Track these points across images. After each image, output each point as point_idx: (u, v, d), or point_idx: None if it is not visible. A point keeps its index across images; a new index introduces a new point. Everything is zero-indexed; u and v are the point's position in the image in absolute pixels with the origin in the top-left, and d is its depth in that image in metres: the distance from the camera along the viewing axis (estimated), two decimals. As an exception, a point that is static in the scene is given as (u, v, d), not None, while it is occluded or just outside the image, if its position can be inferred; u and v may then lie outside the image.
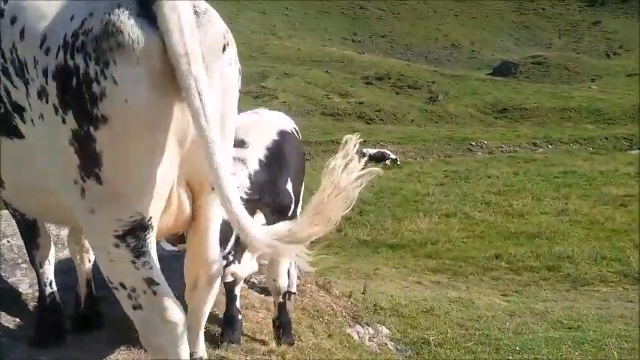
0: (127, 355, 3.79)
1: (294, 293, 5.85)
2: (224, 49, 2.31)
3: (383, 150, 31.95)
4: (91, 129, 2.09)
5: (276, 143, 4.27)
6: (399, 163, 30.49)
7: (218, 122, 2.27)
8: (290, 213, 4.31)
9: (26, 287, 4.13)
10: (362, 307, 7.06)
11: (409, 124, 46.54)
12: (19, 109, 2.37)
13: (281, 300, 4.61)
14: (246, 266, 4.20)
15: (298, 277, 6.58)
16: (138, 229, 2.28)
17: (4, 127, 2.51)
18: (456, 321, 8.54)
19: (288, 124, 4.80)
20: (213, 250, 2.81)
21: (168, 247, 4.18)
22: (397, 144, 39.30)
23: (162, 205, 2.36)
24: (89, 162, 2.15)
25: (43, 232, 3.56)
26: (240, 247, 3.98)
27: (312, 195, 2.48)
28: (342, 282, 10.61)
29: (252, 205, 3.69)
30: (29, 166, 2.52)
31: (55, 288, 3.67)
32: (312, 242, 12.35)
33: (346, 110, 47.50)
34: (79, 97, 2.08)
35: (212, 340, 4.18)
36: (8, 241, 4.15)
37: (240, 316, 4.36)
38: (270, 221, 4.14)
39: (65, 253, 4.38)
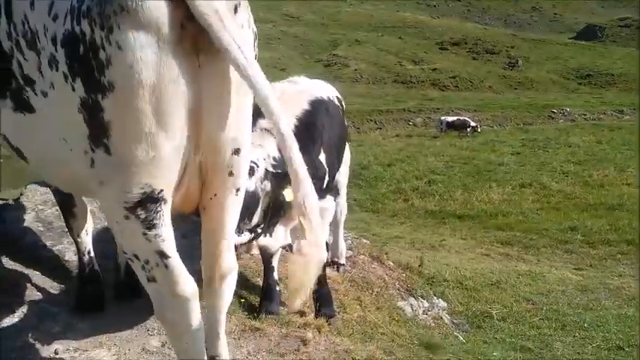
0: (163, 323, 3.78)
1: (343, 265, 5.70)
2: (235, 10, 2.14)
3: (463, 117, 31.02)
4: (99, 97, 2.01)
5: (308, 113, 4.05)
6: (479, 130, 29.56)
7: (228, 89, 2.18)
8: (324, 185, 4.11)
9: (72, 255, 4.18)
10: (418, 279, 6.80)
11: (486, 91, 45.07)
12: (31, 82, 2.33)
13: (320, 272, 4.43)
14: (279, 239, 4.07)
15: (350, 249, 6.43)
16: (148, 201, 2.19)
17: (17, 102, 2.49)
18: (523, 295, 8.18)
19: (325, 92, 4.58)
20: (227, 245, 2.59)
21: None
22: (473, 111, 38.18)
23: (174, 178, 2.24)
24: (98, 131, 2.08)
25: (79, 202, 3.57)
26: (272, 220, 3.85)
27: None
28: (404, 253, 10.38)
29: (281, 176, 3.55)
30: (44, 139, 2.48)
31: (93, 257, 3.68)
32: (377, 212, 12.21)
33: (419, 77, 46.50)
34: (86, 64, 2.00)
35: (251, 310, 4.10)
36: (57, 210, 4.19)
37: (278, 288, 4.25)
38: None
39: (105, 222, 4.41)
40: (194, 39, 2.03)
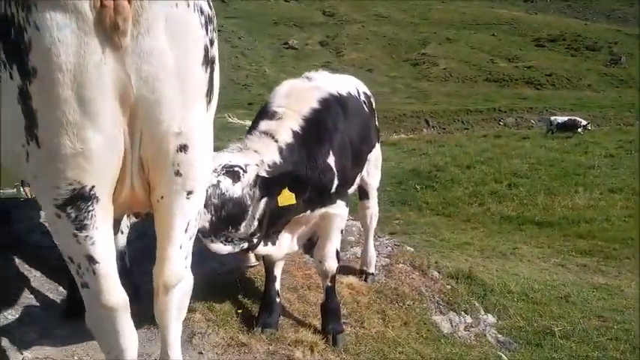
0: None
1: (372, 274, 5.40)
2: None
3: (574, 117, 29.15)
4: (27, 83, 1.88)
5: (316, 112, 3.80)
6: (589, 128, 27.80)
7: (164, 73, 1.98)
8: (332, 189, 3.85)
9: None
10: (465, 291, 6.36)
11: (584, 90, 42.53)
12: None
13: (329, 284, 4.18)
14: (284, 247, 3.87)
15: (388, 257, 6.12)
16: (78, 199, 2.04)
17: None
18: (595, 311, 7.47)
19: (345, 89, 4.31)
20: (174, 253, 2.38)
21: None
22: (569, 111, 36.09)
23: (108, 174, 2.08)
24: (30, 122, 1.95)
25: None
26: (274, 228, 3.66)
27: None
28: (468, 261, 9.88)
29: (270, 182, 3.35)
30: (4, 133, 2.41)
31: (127, 261, 3.64)
32: (449, 216, 11.72)
33: (513, 75, 44.63)
34: (16, 49, 1.88)
35: (248, 322, 3.93)
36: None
37: (278, 299, 4.05)
38: (309, 198, 3.74)
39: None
40: (114, 18, 1.86)
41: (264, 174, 3.36)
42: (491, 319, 6.40)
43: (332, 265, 4.10)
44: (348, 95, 4.28)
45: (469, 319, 5.92)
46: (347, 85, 4.45)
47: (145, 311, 3.17)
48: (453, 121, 37.83)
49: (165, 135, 2.09)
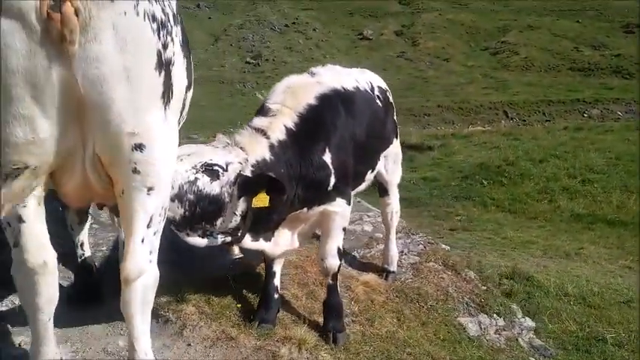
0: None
1: (394, 272, 5.29)
2: None
3: None
4: None
5: (312, 108, 3.74)
6: None
7: (111, 77, 2.10)
8: (329, 187, 3.79)
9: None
10: (498, 293, 6.11)
11: (679, 78, 39.59)
12: None
13: (330, 281, 4.12)
14: (282, 243, 3.85)
15: (418, 255, 5.98)
16: (19, 174, 2.21)
17: None
18: (659, 318, 7.01)
19: (352, 84, 4.22)
20: (136, 247, 2.48)
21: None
22: (659, 102, 33.81)
23: (54, 162, 2.23)
24: None
25: None
26: (266, 225, 3.65)
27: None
28: (527, 261, 9.52)
29: (250, 183, 3.33)
30: None
31: (86, 249, 3.80)
32: (515, 212, 11.31)
33: (599, 64, 42.23)
34: None
35: (246, 317, 3.95)
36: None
37: (277, 295, 4.04)
38: (304, 196, 3.71)
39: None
40: (62, 29, 1.97)
41: (247, 173, 3.36)
42: (529, 322, 6.11)
43: (333, 263, 4.04)
44: (354, 90, 4.19)
45: (501, 322, 5.69)
46: (355, 79, 4.37)
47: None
48: (534, 112, 36.31)
49: (117, 134, 2.21)
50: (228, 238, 3.46)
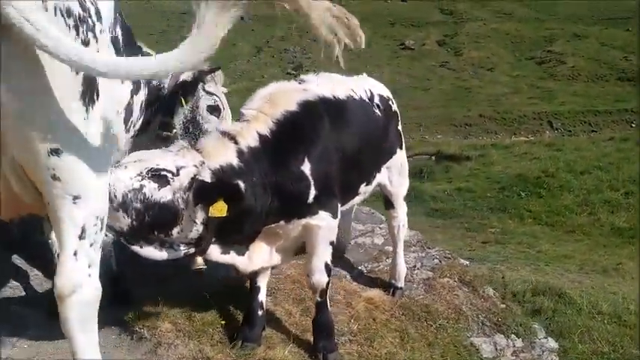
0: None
1: (401, 288, 5.02)
2: None
3: None
4: None
5: (291, 116, 3.54)
6: None
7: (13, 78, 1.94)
8: (309, 199, 3.57)
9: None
10: (519, 311, 5.76)
11: None
12: None
13: (318, 299, 3.89)
14: (256, 260, 3.64)
15: (432, 270, 5.68)
16: None
17: None
18: (700, 340, 6.52)
19: (345, 92, 4.01)
20: (66, 260, 2.32)
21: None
22: None
23: None
24: None
25: None
26: (236, 237, 3.46)
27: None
28: (560, 277, 9.09)
29: (206, 189, 3.09)
30: None
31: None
32: (553, 225, 10.77)
33: (649, 73, 40.72)
34: None
35: (230, 334, 3.76)
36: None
37: (261, 312, 3.83)
38: (281, 207, 3.51)
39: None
40: None
41: (206, 178, 3.14)
42: (551, 343, 5.74)
43: (320, 279, 3.81)
44: (345, 99, 3.99)
45: (520, 343, 5.35)
46: (350, 87, 4.16)
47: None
48: (579, 122, 35.17)
49: (29, 138, 2.06)
50: (192, 250, 3.24)
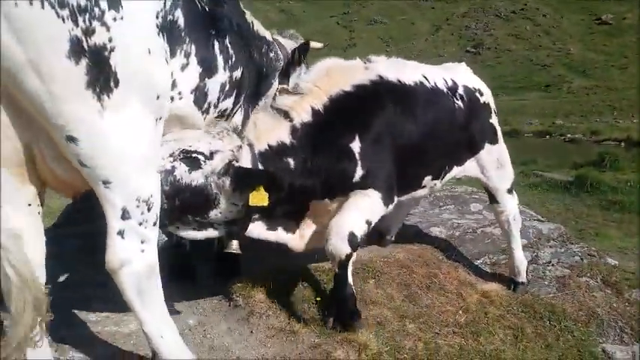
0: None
1: (522, 283, 4.70)
2: None
3: None
4: None
5: (348, 92, 3.42)
6: None
7: (16, 68, 2.04)
8: (356, 178, 3.40)
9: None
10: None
11: None
12: None
13: (337, 270, 3.56)
14: (308, 238, 3.55)
15: (570, 267, 5.21)
16: None
17: None
18: None
19: (415, 77, 3.83)
20: (111, 239, 2.47)
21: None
22: None
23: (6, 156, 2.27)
24: None
25: None
26: (287, 213, 3.42)
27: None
28: None
29: (245, 176, 2.99)
30: None
31: None
32: None
33: None
34: None
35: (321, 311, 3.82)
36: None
37: (349, 290, 3.67)
38: (326, 183, 3.40)
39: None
40: None
41: (246, 162, 3.06)
42: None
43: (340, 247, 3.44)
44: (414, 85, 3.80)
45: (673, 358, 4.71)
46: (423, 74, 3.94)
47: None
48: None
49: (44, 126, 2.20)
50: (234, 228, 3.18)
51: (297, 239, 3.53)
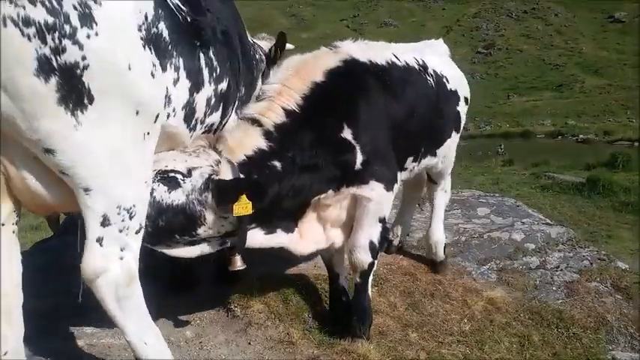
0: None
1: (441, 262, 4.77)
2: None
3: None
4: None
5: (321, 81, 3.27)
6: None
7: None
8: (357, 164, 3.29)
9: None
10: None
11: None
12: None
13: (358, 280, 3.57)
14: (309, 238, 3.41)
15: (579, 272, 5.11)
16: None
17: None
18: None
19: (386, 58, 3.70)
20: (90, 246, 2.42)
21: None
22: None
23: None
24: None
25: None
26: (285, 211, 3.28)
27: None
28: None
29: (226, 187, 2.88)
30: None
31: None
32: None
33: None
34: None
35: (321, 320, 3.74)
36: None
37: (344, 298, 3.68)
38: (328, 174, 3.28)
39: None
40: None
41: (227, 175, 2.95)
42: None
43: (362, 258, 3.48)
44: (386, 64, 3.66)
45: (680, 365, 4.59)
46: (393, 53, 3.82)
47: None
48: None
49: (21, 141, 2.17)
50: (227, 243, 3.08)
51: (296, 241, 3.39)
